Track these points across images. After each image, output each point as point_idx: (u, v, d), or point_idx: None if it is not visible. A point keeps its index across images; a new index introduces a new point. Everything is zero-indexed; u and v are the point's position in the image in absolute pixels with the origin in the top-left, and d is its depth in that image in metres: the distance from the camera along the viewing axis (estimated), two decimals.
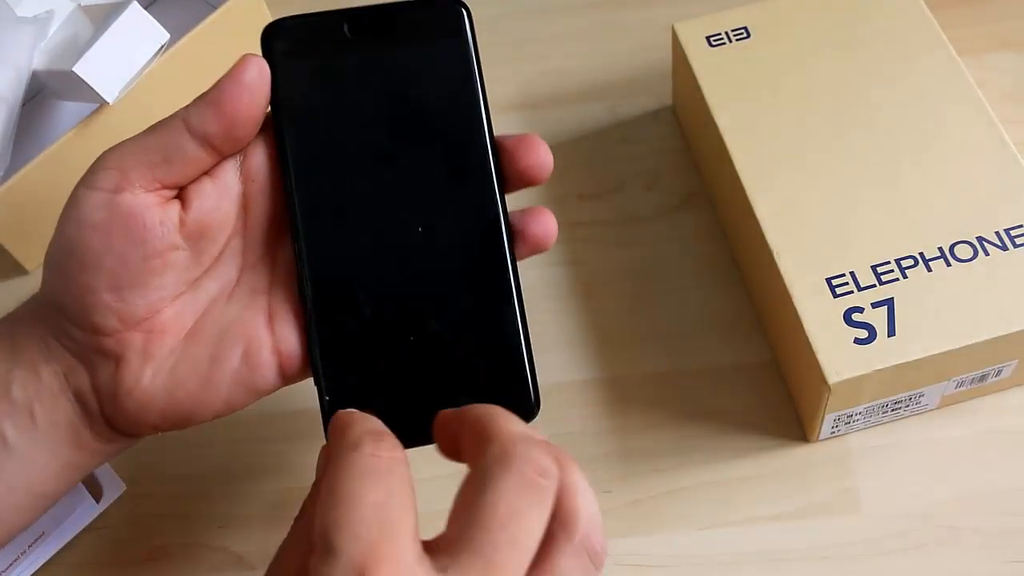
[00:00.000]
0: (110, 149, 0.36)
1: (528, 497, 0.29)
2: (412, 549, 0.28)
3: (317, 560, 0.28)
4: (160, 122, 0.36)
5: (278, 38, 0.36)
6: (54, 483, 0.38)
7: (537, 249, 0.37)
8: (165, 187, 0.35)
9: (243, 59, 0.35)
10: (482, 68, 0.37)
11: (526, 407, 0.36)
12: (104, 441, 0.38)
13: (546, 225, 0.37)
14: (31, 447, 0.36)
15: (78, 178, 0.35)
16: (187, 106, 0.35)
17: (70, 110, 0.62)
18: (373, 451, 0.30)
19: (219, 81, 0.35)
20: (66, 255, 0.35)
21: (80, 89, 0.54)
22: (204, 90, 0.36)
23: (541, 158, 0.37)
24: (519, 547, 0.29)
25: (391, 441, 0.31)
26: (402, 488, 0.29)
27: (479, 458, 0.30)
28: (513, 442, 0.30)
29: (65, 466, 0.38)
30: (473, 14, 0.65)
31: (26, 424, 0.36)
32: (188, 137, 0.35)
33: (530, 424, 0.33)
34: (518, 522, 0.29)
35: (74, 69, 0.53)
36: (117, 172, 0.35)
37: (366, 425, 0.32)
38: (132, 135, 0.36)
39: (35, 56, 0.57)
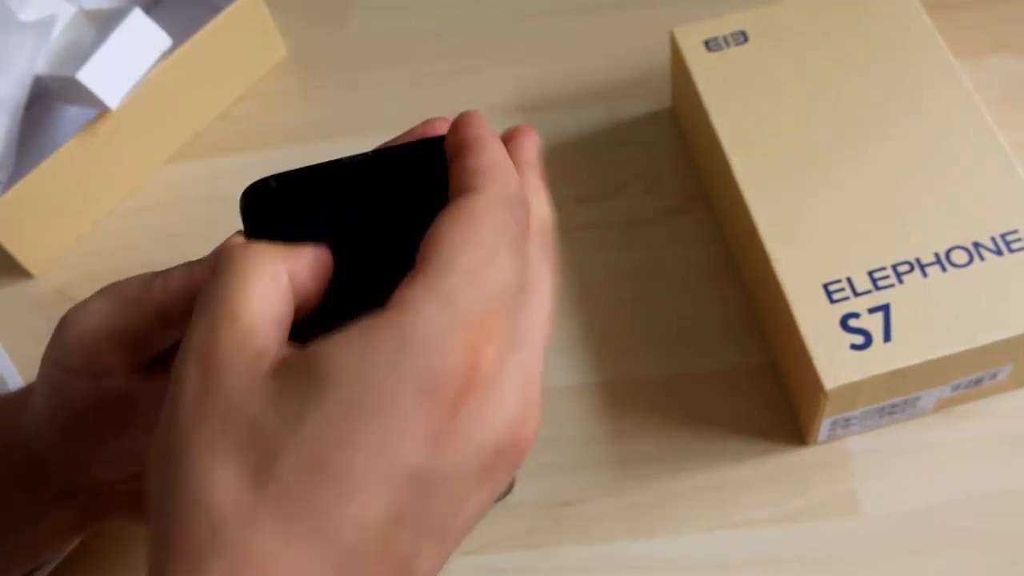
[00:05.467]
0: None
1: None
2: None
3: (424, 297, 0.26)
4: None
5: (258, 203, 0.32)
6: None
7: None
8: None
9: None
10: None
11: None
12: None
13: None
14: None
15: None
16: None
17: (72, 113, 0.62)
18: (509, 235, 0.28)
19: None
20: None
21: (83, 95, 0.55)
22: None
23: None
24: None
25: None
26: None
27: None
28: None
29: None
30: (473, 15, 0.66)
31: None
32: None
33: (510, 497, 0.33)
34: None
35: (77, 76, 0.53)
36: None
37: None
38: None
39: (37, 60, 0.57)
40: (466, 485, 0.27)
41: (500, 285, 0.27)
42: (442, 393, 0.25)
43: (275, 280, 0.28)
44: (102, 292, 0.34)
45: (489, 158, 0.29)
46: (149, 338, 0.34)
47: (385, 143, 0.33)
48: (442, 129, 0.32)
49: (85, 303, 0.34)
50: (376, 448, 0.25)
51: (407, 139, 0.33)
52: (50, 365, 0.35)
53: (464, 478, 0.26)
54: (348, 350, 0.26)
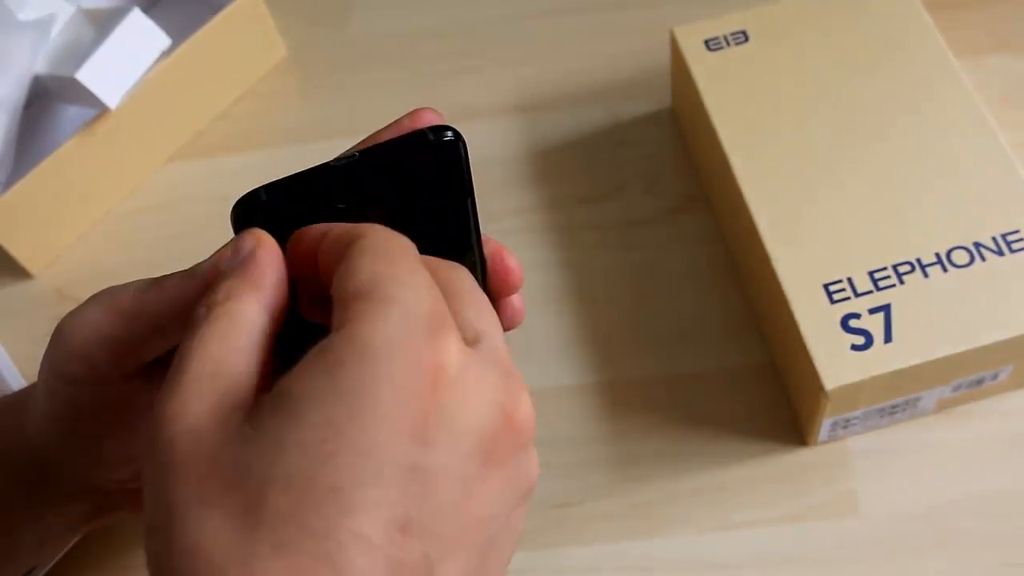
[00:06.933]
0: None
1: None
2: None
3: (368, 307, 0.26)
4: None
5: (250, 216, 0.31)
6: None
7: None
8: None
9: None
10: (475, 198, 0.33)
11: None
12: None
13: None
14: None
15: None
16: None
17: (72, 113, 0.62)
18: (415, 253, 0.28)
19: None
20: None
21: (82, 95, 0.55)
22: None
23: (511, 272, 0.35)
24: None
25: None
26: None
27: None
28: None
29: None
30: (473, 15, 0.66)
31: None
32: None
33: None
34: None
35: (76, 76, 0.53)
36: None
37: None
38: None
39: (36, 60, 0.57)
40: (467, 473, 0.26)
41: (430, 285, 0.27)
42: (417, 386, 0.25)
43: (253, 330, 0.28)
44: (97, 299, 0.34)
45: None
46: (144, 347, 0.34)
47: (370, 135, 0.33)
48: (429, 120, 0.32)
49: (79, 311, 0.34)
50: (363, 453, 0.24)
51: (393, 131, 0.33)
52: (48, 373, 0.35)
53: (462, 466, 0.26)
54: (312, 373, 0.25)
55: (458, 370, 0.26)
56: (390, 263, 0.27)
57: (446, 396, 0.26)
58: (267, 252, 0.29)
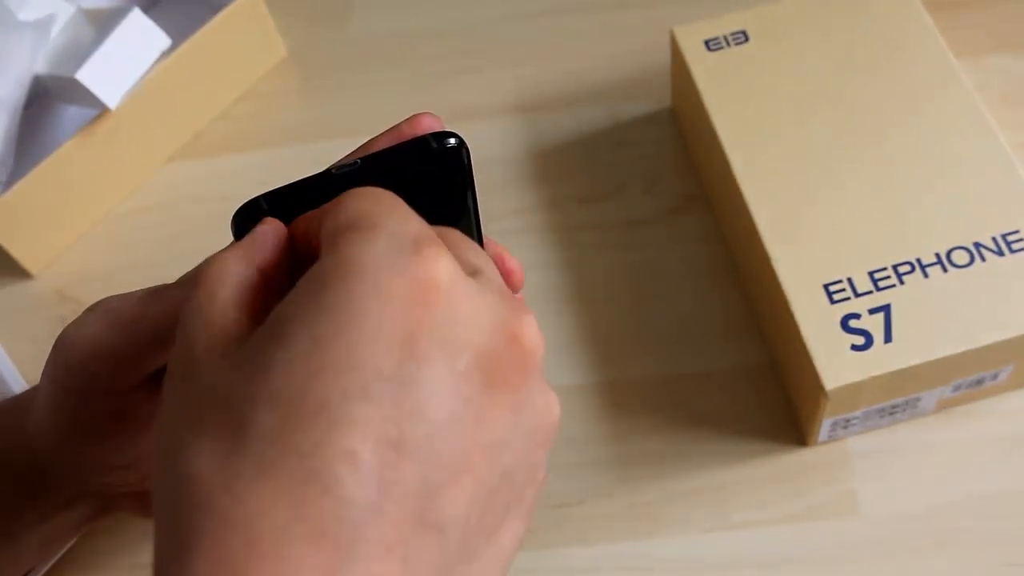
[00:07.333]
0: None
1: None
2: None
3: (354, 234, 0.26)
4: None
5: (250, 224, 0.30)
6: None
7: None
8: None
9: None
10: (478, 203, 0.33)
11: None
12: None
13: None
14: None
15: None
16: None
17: (72, 113, 0.62)
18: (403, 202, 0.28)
19: None
20: None
21: (82, 95, 0.55)
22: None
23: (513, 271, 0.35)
24: None
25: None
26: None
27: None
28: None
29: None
30: (473, 15, 0.66)
31: None
32: None
33: None
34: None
35: (76, 76, 0.53)
36: None
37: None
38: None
39: (36, 60, 0.57)
40: (467, 392, 0.25)
41: (420, 220, 0.27)
42: (406, 299, 0.24)
43: (242, 284, 0.28)
44: (97, 311, 0.34)
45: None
46: (146, 358, 0.34)
47: (369, 140, 0.33)
48: (428, 125, 0.32)
49: (80, 324, 0.34)
50: (350, 367, 0.24)
51: (392, 136, 0.32)
52: (49, 383, 0.35)
53: (460, 382, 0.25)
54: (298, 297, 0.25)
55: (450, 284, 0.25)
56: (377, 201, 0.27)
57: (438, 309, 0.25)
58: (266, 224, 0.29)
